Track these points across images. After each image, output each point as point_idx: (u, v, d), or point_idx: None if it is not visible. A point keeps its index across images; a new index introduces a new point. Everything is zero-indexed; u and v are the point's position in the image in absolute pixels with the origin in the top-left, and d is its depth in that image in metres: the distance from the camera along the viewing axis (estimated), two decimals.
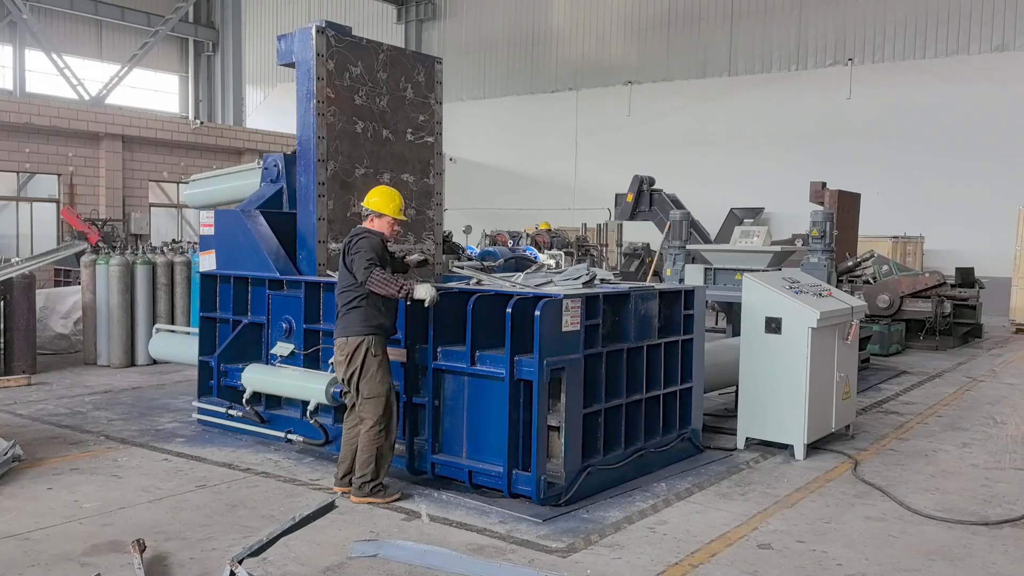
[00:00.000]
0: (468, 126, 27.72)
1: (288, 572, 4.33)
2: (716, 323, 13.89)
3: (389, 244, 5.69)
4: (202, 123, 23.34)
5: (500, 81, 28.73)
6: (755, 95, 23.72)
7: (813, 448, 6.80)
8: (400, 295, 5.30)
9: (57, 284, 15.44)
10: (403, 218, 5.71)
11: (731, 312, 9.61)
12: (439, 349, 5.68)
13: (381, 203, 5.58)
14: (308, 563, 4.43)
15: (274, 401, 7.01)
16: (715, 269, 9.05)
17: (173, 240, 16.30)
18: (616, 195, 15.44)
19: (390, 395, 5.43)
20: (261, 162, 7.79)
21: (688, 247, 9.86)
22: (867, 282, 14.15)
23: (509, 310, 5.30)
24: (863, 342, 10.94)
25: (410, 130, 7.70)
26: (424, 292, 5.31)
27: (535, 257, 12.41)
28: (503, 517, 5.16)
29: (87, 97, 26.46)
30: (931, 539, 5.00)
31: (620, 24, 26.48)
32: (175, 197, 21.92)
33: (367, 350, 5.39)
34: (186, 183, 10.39)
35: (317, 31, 6.86)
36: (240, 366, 7.08)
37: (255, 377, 6.91)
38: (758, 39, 23.94)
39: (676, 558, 4.61)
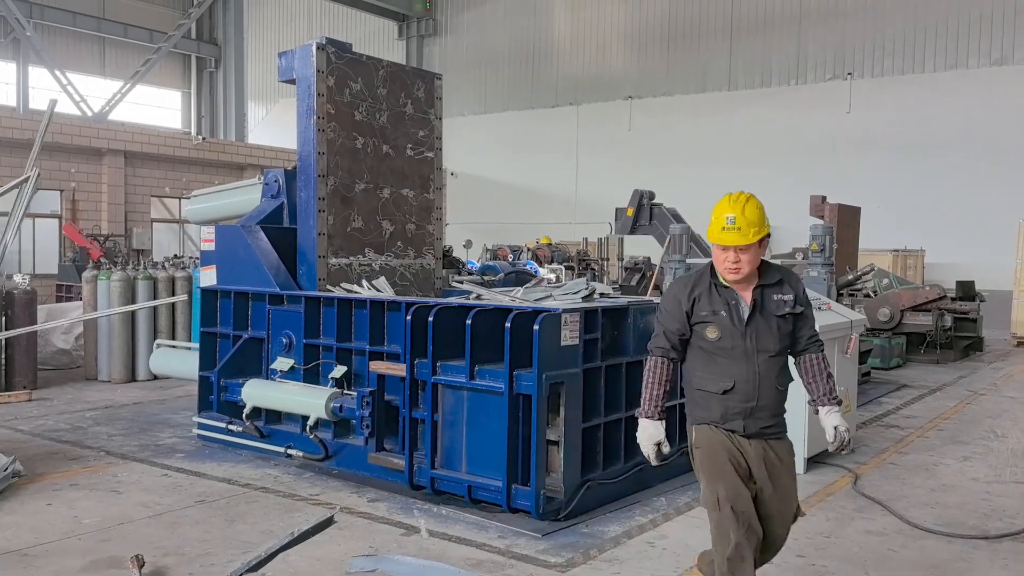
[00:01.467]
0: (469, 141, 27.81)
1: None
2: None
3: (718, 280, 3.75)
4: (204, 139, 23.44)
5: (501, 96, 28.87)
6: (755, 109, 23.81)
7: (813, 462, 6.79)
8: (638, 414, 3.80)
9: (59, 299, 15.48)
10: (726, 241, 3.61)
11: None
12: (438, 363, 5.68)
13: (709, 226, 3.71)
14: None
15: (274, 416, 7.01)
16: None
17: (175, 255, 16.36)
18: (616, 209, 15.47)
19: (723, 505, 3.55)
20: (262, 178, 7.83)
21: (688, 261, 9.87)
22: (867, 296, 14.14)
23: (508, 324, 5.31)
24: (863, 356, 10.93)
25: (410, 145, 7.74)
26: (645, 444, 3.77)
27: (535, 271, 12.45)
28: (502, 532, 5.16)
29: (90, 113, 26.60)
30: (931, 553, 4.99)
31: (620, 39, 26.63)
32: (177, 212, 21.98)
33: (693, 442, 3.81)
34: (188, 198, 10.44)
35: (317, 48, 6.92)
36: (240, 381, 7.08)
37: (255, 392, 6.92)
38: (758, 54, 24.05)
39: (675, 572, 4.61)
